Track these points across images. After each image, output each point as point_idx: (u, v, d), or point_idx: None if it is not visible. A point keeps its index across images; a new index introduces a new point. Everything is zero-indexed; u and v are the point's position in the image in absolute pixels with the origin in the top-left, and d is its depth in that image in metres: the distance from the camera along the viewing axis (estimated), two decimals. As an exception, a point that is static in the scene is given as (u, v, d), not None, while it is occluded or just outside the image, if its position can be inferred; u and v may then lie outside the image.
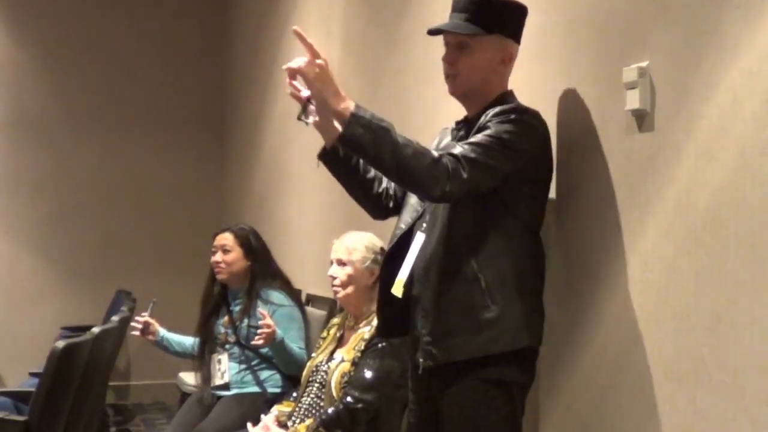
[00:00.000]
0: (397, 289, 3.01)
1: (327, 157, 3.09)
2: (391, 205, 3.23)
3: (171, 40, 8.41)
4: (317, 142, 3.02)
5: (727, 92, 2.31)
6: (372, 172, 3.18)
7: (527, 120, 2.83)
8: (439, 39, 3.07)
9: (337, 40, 5.61)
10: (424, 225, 3.00)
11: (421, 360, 2.92)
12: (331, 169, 3.14)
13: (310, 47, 2.74)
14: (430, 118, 4.14)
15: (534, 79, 3.17)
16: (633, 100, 2.63)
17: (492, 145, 2.75)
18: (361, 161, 3.11)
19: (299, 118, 2.93)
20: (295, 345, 4.70)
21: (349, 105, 2.71)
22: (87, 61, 8.22)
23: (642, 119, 2.63)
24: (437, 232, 2.90)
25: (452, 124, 3.11)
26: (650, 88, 2.59)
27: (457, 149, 2.75)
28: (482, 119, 2.85)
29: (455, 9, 2.97)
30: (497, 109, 2.84)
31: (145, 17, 8.35)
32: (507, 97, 2.97)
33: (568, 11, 3.06)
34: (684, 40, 2.47)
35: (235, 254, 5.00)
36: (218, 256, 5.00)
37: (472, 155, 2.73)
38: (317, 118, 2.93)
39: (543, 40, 3.14)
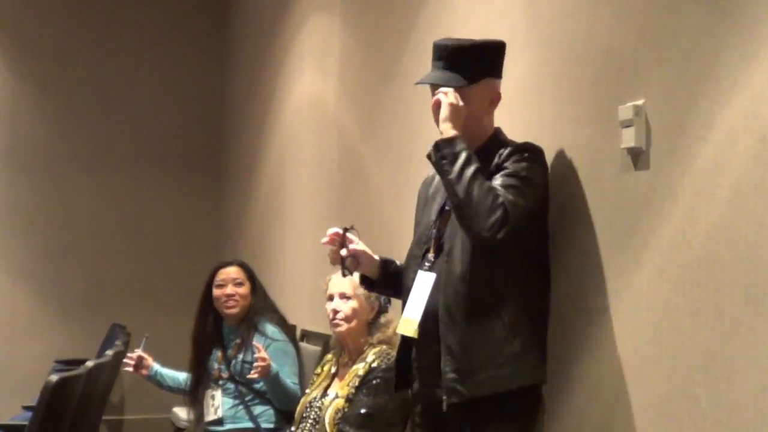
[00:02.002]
0: (409, 330, 3.00)
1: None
2: None
3: (169, 78, 8.41)
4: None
5: (723, 131, 2.32)
6: None
7: (537, 158, 2.94)
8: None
9: (333, 77, 5.62)
10: (427, 264, 3.02)
11: (444, 397, 2.91)
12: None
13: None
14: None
15: (529, 116, 3.18)
16: (628, 138, 2.63)
17: (519, 185, 2.84)
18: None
19: (344, 275, 3.30)
20: (289, 380, 4.68)
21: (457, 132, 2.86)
22: (85, 97, 8.23)
23: (637, 157, 2.63)
24: (458, 272, 2.92)
25: (432, 173, 3.11)
26: (646, 126, 2.60)
27: (500, 191, 2.81)
28: (496, 159, 2.91)
29: (439, 57, 2.96)
30: (509, 149, 2.92)
31: (144, 56, 8.36)
32: (499, 135, 3.02)
33: (564, 49, 3.07)
34: (679, 79, 2.48)
35: (247, 287, 4.92)
36: (229, 289, 4.87)
37: (511, 197, 2.80)
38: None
39: (538, 77, 3.15)
